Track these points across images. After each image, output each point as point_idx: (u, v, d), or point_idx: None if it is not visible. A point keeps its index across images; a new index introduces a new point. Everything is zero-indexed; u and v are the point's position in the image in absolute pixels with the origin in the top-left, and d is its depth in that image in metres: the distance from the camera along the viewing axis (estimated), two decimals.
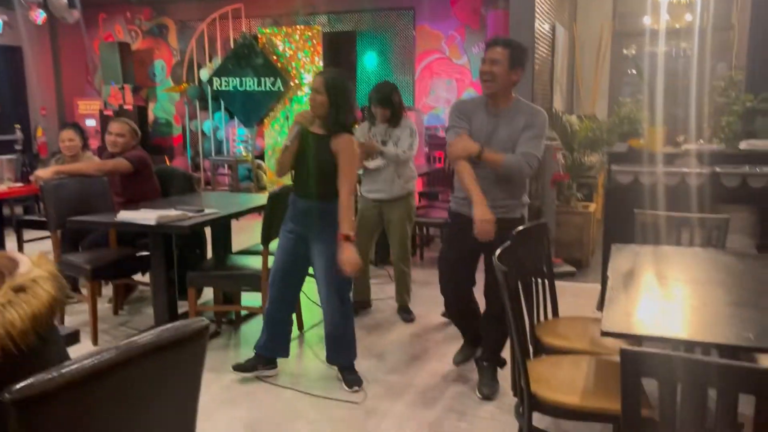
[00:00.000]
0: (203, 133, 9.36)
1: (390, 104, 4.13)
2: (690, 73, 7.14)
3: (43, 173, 4.27)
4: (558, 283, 2.95)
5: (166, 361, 1.36)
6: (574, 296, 4.63)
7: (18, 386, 1.12)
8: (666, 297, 2.15)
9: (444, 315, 4.18)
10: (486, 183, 3.00)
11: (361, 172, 4.15)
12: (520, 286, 2.40)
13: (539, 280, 2.73)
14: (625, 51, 8.24)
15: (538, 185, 5.58)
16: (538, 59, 5.43)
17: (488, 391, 3.18)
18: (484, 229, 2.89)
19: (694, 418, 1.41)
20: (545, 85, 5.97)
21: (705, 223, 3.14)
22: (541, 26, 5.53)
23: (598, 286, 4.56)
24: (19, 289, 1.23)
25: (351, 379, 3.27)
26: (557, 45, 6.35)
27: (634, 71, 7.87)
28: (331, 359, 3.33)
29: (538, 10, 5.28)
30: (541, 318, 2.77)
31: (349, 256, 3.02)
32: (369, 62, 9.19)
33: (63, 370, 1.17)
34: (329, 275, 3.16)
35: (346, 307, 3.26)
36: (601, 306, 4.04)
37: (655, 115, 4.32)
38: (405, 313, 4.33)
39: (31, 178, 4.32)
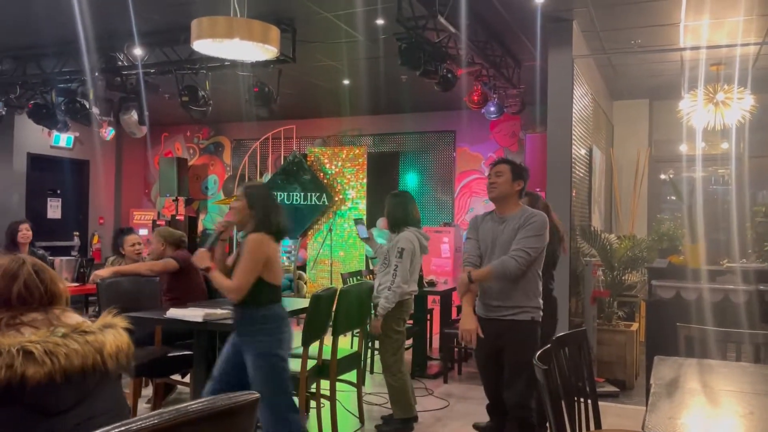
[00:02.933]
0: None
1: (385, 212, 4.24)
2: (729, 197, 7.23)
3: (103, 272, 4.52)
4: (601, 404, 2.88)
5: (217, 427, 1.42)
6: (617, 417, 4.46)
7: None
8: (711, 404, 2.12)
9: (475, 427, 4.07)
10: (496, 285, 3.21)
11: None
12: (561, 390, 2.39)
13: (581, 392, 2.70)
14: (662, 176, 8.41)
15: (578, 302, 5.56)
16: (575, 180, 5.62)
17: None
18: (465, 338, 3.23)
19: None
20: (583, 205, 6.11)
21: (754, 338, 3.09)
22: (578, 150, 5.76)
23: (644, 408, 4.39)
24: (108, 326, 1.50)
25: None
26: (594, 167, 6.55)
27: (673, 197, 7.98)
28: None
29: (575, 135, 5.53)
30: (583, 429, 2.71)
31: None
32: (411, 181, 9.57)
33: (127, 426, 1.25)
34: (260, 389, 2.96)
35: (282, 425, 3.06)
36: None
37: (695, 233, 4.37)
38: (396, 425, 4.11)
39: (92, 276, 4.58)
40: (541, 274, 3.26)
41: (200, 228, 10.74)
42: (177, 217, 9.96)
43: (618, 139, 8.38)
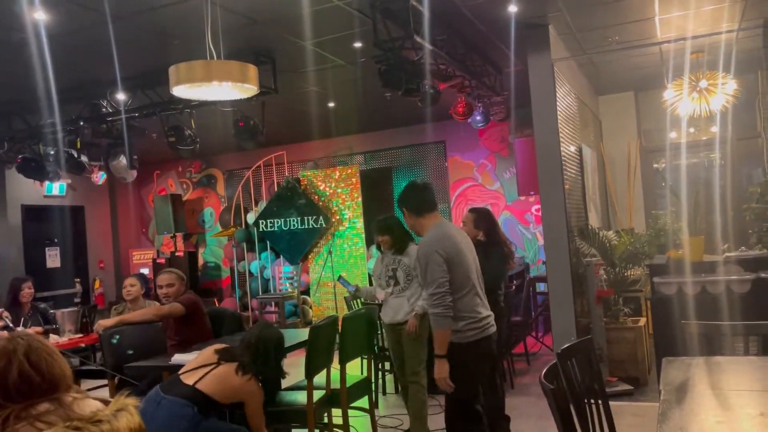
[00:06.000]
0: (251, 273, 9.67)
1: (388, 231, 4.36)
2: (724, 181, 7.23)
3: (106, 322, 4.47)
4: (616, 404, 2.87)
5: None
6: (634, 416, 4.43)
7: None
8: (722, 407, 2.10)
9: None
10: None
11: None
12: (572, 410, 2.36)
13: (593, 402, 2.67)
14: (655, 165, 8.42)
15: (583, 302, 5.54)
16: (567, 179, 5.61)
17: None
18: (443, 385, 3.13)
19: None
20: (578, 204, 6.10)
21: (759, 329, 3.07)
22: (567, 149, 5.76)
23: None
24: (120, 409, 1.47)
25: None
26: (586, 165, 6.55)
27: (664, 184, 7.99)
28: None
29: (562, 135, 5.53)
30: None
31: None
32: None
33: None
34: None
35: None
36: None
37: (692, 225, 4.36)
38: None
39: (95, 327, 4.53)
40: (467, 292, 3.15)
41: (201, 262, 10.74)
42: (177, 254, 9.95)
43: (607, 133, 8.39)
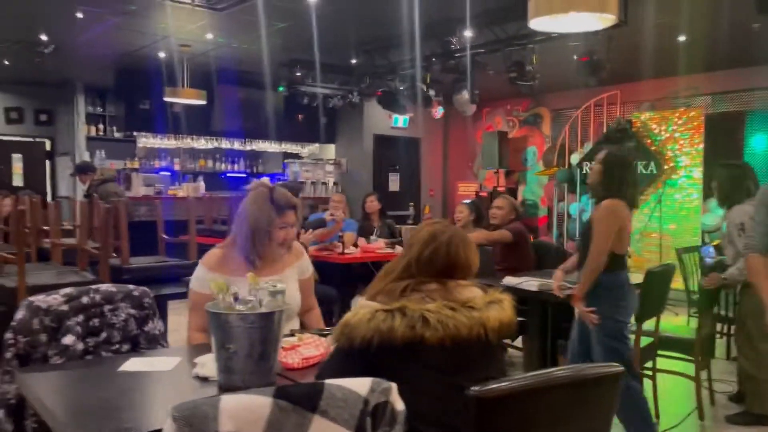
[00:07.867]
0: (569, 215, 9.60)
1: (715, 176, 3.99)
2: None
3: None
4: None
5: (582, 395, 1.52)
6: None
7: (480, 387, 1.41)
8: None
9: None
10: None
11: None
12: None
13: None
14: None
15: None
16: None
17: None
18: None
19: None
20: None
21: None
22: None
23: None
24: (494, 301, 1.71)
25: None
26: None
27: None
28: None
29: None
30: None
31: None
32: (759, 144, 8.29)
33: (499, 384, 1.43)
34: (599, 356, 3.20)
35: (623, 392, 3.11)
36: None
37: None
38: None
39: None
40: None
41: (520, 199, 11.03)
42: (498, 189, 10.38)
43: None
